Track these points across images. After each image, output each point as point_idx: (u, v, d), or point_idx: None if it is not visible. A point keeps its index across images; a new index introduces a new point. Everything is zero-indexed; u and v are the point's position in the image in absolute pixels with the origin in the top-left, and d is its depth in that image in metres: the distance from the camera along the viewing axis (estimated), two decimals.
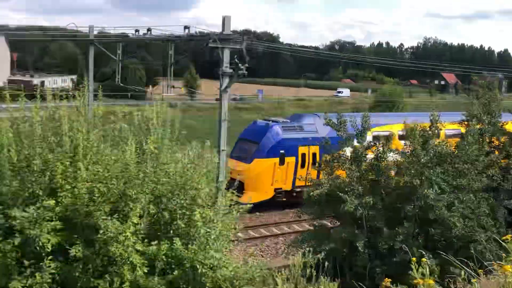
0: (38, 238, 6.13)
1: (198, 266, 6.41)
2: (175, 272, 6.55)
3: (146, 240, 6.62)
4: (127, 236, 6.28)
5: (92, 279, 6.41)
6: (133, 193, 6.65)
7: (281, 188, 23.33)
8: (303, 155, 23.51)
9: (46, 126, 7.03)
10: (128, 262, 6.31)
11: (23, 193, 6.61)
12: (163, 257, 6.52)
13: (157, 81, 74.53)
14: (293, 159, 23.35)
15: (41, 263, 6.16)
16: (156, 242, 6.61)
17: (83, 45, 37.42)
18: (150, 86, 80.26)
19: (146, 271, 6.37)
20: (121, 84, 22.34)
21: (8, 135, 6.81)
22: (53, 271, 6.17)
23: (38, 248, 6.20)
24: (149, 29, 16.63)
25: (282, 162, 23.12)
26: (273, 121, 25.02)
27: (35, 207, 6.30)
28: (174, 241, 6.53)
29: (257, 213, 19.61)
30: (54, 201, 6.38)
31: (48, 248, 6.17)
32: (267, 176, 22.80)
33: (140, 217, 6.60)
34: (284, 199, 23.44)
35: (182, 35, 15.14)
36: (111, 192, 6.61)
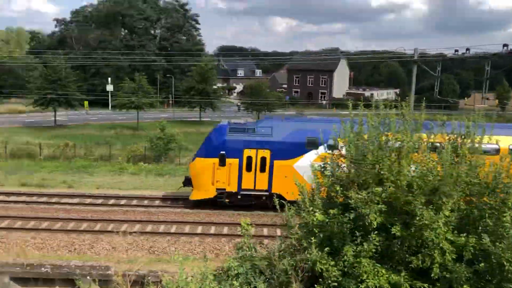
0: (367, 215, 7.94)
1: (505, 263, 6.91)
2: (481, 265, 7.24)
3: (455, 232, 7.56)
4: (439, 225, 7.40)
5: (407, 256, 7.83)
6: (447, 189, 7.71)
7: (224, 189, 22.14)
8: (249, 158, 21.86)
9: (377, 129, 8.88)
10: (439, 247, 7.42)
11: (357, 180, 8.64)
12: (471, 249, 7.30)
13: (469, 93, 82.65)
14: (236, 161, 21.85)
15: (368, 236, 7.95)
16: (464, 234, 7.46)
17: (407, 64, 41.68)
18: (465, 97, 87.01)
19: (454, 257, 7.34)
20: (438, 97, 23.37)
21: (350, 135, 9.01)
22: (377, 243, 7.86)
23: (366, 223, 8.03)
24: (467, 49, 17.47)
25: (222, 163, 21.86)
26: (233, 122, 23.44)
27: (366, 191, 8.15)
28: (482, 236, 7.23)
29: None
30: (380, 189, 8.09)
31: (374, 225, 7.91)
32: (207, 175, 21.96)
33: (452, 210, 7.58)
34: (227, 200, 22.35)
35: (499, 52, 15.29)
36: (428, 186, 7.85)
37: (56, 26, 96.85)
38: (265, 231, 19.82)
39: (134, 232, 19.27)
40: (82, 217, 20.93)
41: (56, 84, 57.53)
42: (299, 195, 9.48)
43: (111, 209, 22.24)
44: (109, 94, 67.70)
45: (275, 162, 21.75)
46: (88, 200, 23.60)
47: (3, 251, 17.40)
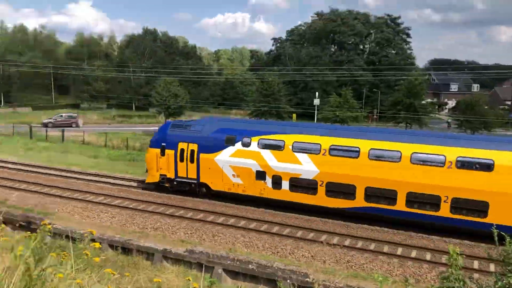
0: None
1: None
2: None
3: None
4: None
5: None
6: None
7: (165, 175, 26.19)
8: (182, 150, 25.49)
9: None
10: None
11: None
12: None
13: None
14: (172, 152, 25.68)
15: None
16: None
17: None
18: None
19: None
20: None
21: None
22: None
23: None
24: None
25: (162, 153, 25.97)
26: (176, 120, 28.51)
27: None
28: None
29: None
30: None
31: None
32: (153, 163, 26.38)
33: None
34: (167, 185, 26.41)
35: None
36: None
37: (273, 44, 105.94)
38: (476, 264, 17.71)
39: (334, 244, 19.51)
40: (285, 223, 22.18)
41: (270, 97, 62.75)
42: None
43: (311, 218, 22.97)
44: (315, 108, 70.52)
45: (201, 155, 25.11)
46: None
47: (218, 244, 19.66)
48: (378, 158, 21.52)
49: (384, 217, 21.74)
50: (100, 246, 4.35)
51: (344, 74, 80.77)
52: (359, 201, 21.98)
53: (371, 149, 21.65)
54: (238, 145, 24.04)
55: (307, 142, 23.00)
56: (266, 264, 16.61)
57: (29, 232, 5.83)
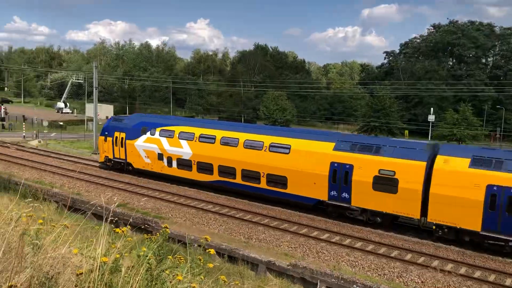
0: None
1: None
2: None
3: None
4: None
5: None
6: None
7: (107, 156, 34.96)
8: (116, 137, 33.84)
9: None
10: None
11: None
12: None
13: None
14: (111, 139, 34.18)
15: None
16: None
17: None
18: None
19: None
20: None
21: None
22: None
23: None
24: None
25: (105, 140, 34.82)
26: (118, 115, 42.77)
27: None
28: None
29: None
30: None
31: None
32: (100, 147, 36.07)
33: None
34: (109, 164, 35.09)
35: None
36: None
37: (385, 58, 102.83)
38: None
39: (447, 271, 18.10)
40: (392, 244, 21.14)
41: (380, 112, 60.76)
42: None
43: (421, 241, 21.61)
44: (430, 125, 66.69)
45: (127, 141, 33.13)
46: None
47: (322, 261, 19.34)
48: (225, 143, 28.27)
49: (229, 188, 28.35)
50: (214, 252, 4.48)
51: (463, 89, 75.35)
52: (215, 176, 28.72)
53: (223, 137, 28.55)
54: (148, 134, 32.04)
55: (187, 132, 30.33)
56: (371, 285, 15.95)
57: (145, 234, 6.24)
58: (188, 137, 29.92)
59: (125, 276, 3.33)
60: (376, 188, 22.66)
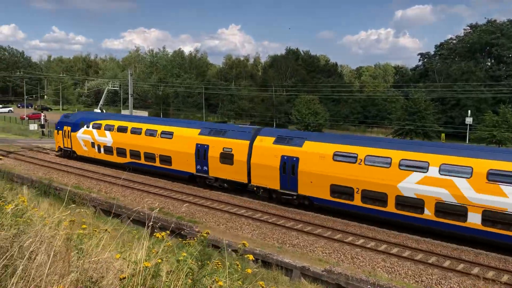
0: None
1: None
2: None
3: None
4: None
5: None
6: None
7: (60, 146, 43.22)
8: (65, 130, 41.84)
9: None
10: None
11: None
12: None
13: None
14: (61, 132, 42.40)
15: None
16: None
17: None
18: None
19: None
20: None
21: None
22: None
23: None
24: None
25: (57, 132, 43.14)
26: (67, 113, 50.24)
27: None
28: None
29: None
30: None
31: None
32: (56, 139, 44.13)
33: None
34: (60, 152, 43.53)
35: None
36: None
37: (419, 60, 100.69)
38: None
39: (489, 279, 17.49)
40: (430, 250, 20.61)
41: (415, 115, 59.49)
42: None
43: (460, 248, 20.97)
44: (468, 127, 64.77)
45: (72, 133, 40.95)
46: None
47: (357, 266, 19.05)
48: (134, 132, 35.60)
49: (137, 167, 35.47)
50: (253, 258, 4.50)
51: (502, 91, 72.85)
52: (128, 159, 36.06)
53: (132, 128, 35.88)
54: (85, 127, 39.76)
55: (110, 124, 37.81)
56: None
57: (179, 239, 6.30)
58: (110, 128, 37.63)
59: (165, 281, 3.38)
60: (222, 162, 29.84)
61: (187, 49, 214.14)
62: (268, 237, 22.49)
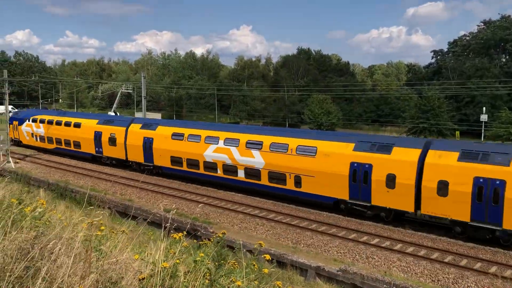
0: None
1: None
2: None
3: None
4: None
5: None
6: None
7: (17, 138, 51.90)
8: (14, 124, 51.41)
9: None
10: None
11: None
12: None
13: None
14: (12, 125, 50.66)
15: None
16: None
17: None
18: None
19: None
20: None
21: None
22: None
23: None
24: None
25: (14, 126, 51.54)
26: (22, 109, 63.21)
27: None
28: None
29: None
30: None
31: None
32: (10, 131, 46.60)
33: None
34: (13, 141, 51.16)
35: None
36: None
37: (432, 57, 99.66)
38: None
39: (508, 278, 17.27)
40: (446, 249, 20.43)
41: (429, 113, 58.91)
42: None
43: (477, 247, 20.73)
44: (483, 124, 63.94)
45: (18, 126, 51.04)
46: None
47: (372, 266, 18.95)
48: (66, 125, 44.33)
49: (62, 152, 45.46)
50: (270, 258, 4.53)
51: None
52: (55, 145, 45.83)
53: (65, 121, 44.67)
54: (27, 121, 49.65)
55: (44, 118, 47.23)
56: None
57: (194, 239, 6.34)
58: (43, 121, 47.21)
59: (183, 281, 3.43)
60: (110, 144, 39.44)
61: (199, 50, 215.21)
62: (282, 237, 22.49)
